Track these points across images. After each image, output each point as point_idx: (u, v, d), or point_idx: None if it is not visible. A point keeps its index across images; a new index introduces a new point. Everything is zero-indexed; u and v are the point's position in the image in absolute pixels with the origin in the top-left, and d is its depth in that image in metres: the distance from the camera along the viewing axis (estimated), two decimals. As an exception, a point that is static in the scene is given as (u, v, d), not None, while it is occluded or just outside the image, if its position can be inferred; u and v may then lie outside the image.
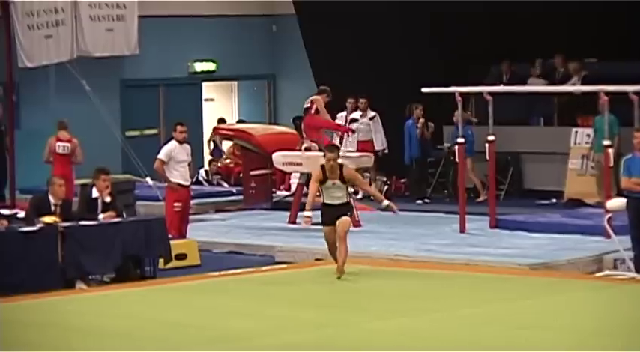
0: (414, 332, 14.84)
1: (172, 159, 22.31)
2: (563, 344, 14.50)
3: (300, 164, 25.54)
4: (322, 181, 17.92)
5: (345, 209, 18.12)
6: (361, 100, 28.87)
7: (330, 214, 17.99)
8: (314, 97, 26.40)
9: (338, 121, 28.31)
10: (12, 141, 24.07)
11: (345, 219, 17.90)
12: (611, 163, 20.90)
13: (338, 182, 17.83)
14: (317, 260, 20.36)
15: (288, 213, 25.26)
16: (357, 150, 27.21)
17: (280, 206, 26.74)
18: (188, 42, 30.84)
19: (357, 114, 29.13)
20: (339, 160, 18.07)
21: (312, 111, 25.96)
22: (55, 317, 16.25)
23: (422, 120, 28.15)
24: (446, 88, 24.22)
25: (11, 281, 17.82)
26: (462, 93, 24.00)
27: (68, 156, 25.24)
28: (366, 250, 21.33)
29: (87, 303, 17.50)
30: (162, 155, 22.58)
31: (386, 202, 18.25)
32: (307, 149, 25.71)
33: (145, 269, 19.77)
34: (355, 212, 24.11)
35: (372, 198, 20.06)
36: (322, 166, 17.87)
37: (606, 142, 21.70)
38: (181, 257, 20.78)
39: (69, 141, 25.41)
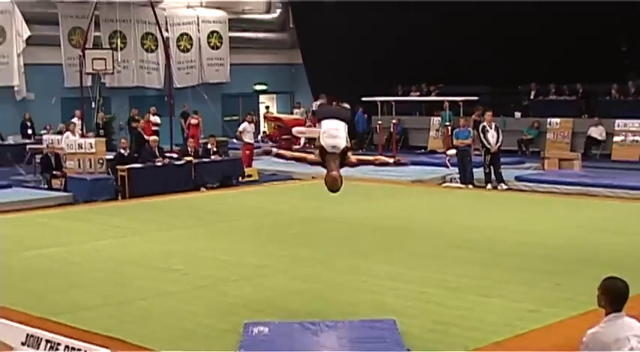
0: (348, 212, 14.97)
1: (245, 130, 22.43)
2: (424, 216, 14.67)
3: (304, 133, 25.50)
4: None
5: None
6: (333, 103, 27.97)
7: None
8: (318, 102, 26.64)
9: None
10: (171, 122, 23.71)
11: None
12: (449, 133, 20.84)
13: None
14: (312, 178, 20.34)
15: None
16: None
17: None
18: (253, 75, 30.42)
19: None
20: None
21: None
22: (192, 204, 16.63)
23: (365, 115, 27.74)
24: (373, 97, 24.26)
25: (169, 188, 17.82)
26: (381, 101, 24.13)
27: (196, 126, 25.03)
28: (324, 171, 21.00)
29: (206, 198, 17.94)
30: (240, 128, 22.75)
31: None
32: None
33: (233, 181, 19.87)
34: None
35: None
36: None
37: (447, 124, 21.77)
38: (249, 176, 20.69)
39: (196, 119, 25.25)
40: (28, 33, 24.50)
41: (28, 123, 24.46)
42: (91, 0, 23.16)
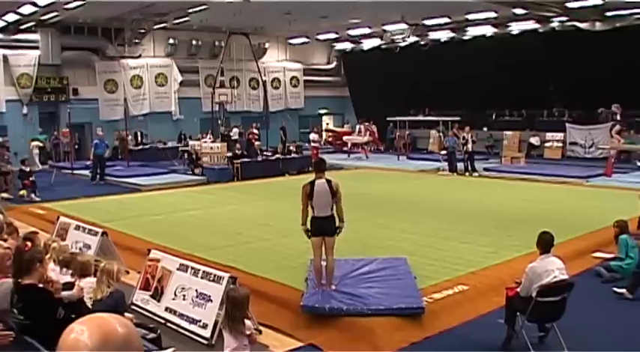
0: (377, 189, 14.56)
1: (313, 139, 22.21)
2: (425, 193, 14.33)
3: (350, 140, 24.89)
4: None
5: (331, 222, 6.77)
6: (371, 121, 25.72)
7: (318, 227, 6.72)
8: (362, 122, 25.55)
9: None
10: (267, 133, 23.32)
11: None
12: (443, 140, 20.30)
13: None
14: (355, 168, 20.02)
15: (346, 155, 23.80)
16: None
17: (345, 152, 24.31)
18: (318, 103, 29.59)
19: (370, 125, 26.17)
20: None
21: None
22: (279, 184, 16.45)
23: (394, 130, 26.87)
24: (394, 117, 23.69)
25: (265, 174, 17.61)
26: (399, 120, 23.59)
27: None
28: (362, 164, 20.77)
29: (289, 180, 17.47)
30: (311, 136, 22.51)
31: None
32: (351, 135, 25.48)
33: (305, 169, 18.98)
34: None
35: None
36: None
37: (440, 134, 21.24)
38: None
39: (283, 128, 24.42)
40: (181, 78, 24.81)
41: (181, 134, 24.79)
42: (219, 59, 23.38)
